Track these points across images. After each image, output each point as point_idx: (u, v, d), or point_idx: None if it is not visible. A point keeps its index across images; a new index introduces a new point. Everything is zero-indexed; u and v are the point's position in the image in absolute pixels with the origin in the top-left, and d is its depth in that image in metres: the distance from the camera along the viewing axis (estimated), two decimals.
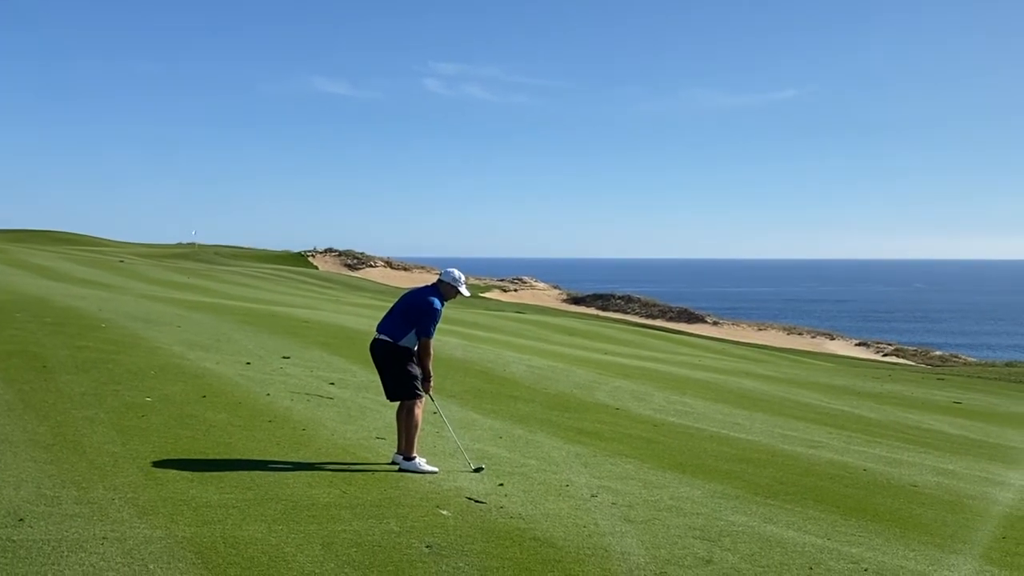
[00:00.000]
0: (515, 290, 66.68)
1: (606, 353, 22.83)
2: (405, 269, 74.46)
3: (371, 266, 74.67)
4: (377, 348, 7.77)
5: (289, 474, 7.02)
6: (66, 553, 4.93)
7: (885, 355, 45.08)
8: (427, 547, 5.56)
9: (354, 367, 13.05)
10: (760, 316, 69.56)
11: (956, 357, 44.43)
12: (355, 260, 76.13)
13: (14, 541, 5.05)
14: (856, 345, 49.19)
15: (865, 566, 5.99)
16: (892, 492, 8.55)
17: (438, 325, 7.81)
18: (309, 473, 7.10)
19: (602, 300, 62.49)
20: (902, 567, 6.07)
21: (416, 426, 7.61)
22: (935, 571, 6.07)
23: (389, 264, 75.81)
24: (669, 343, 34.35)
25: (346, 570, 5.07)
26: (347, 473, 7.23)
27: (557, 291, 69.55)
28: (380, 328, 7.80)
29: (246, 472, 6.94)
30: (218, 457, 7.40)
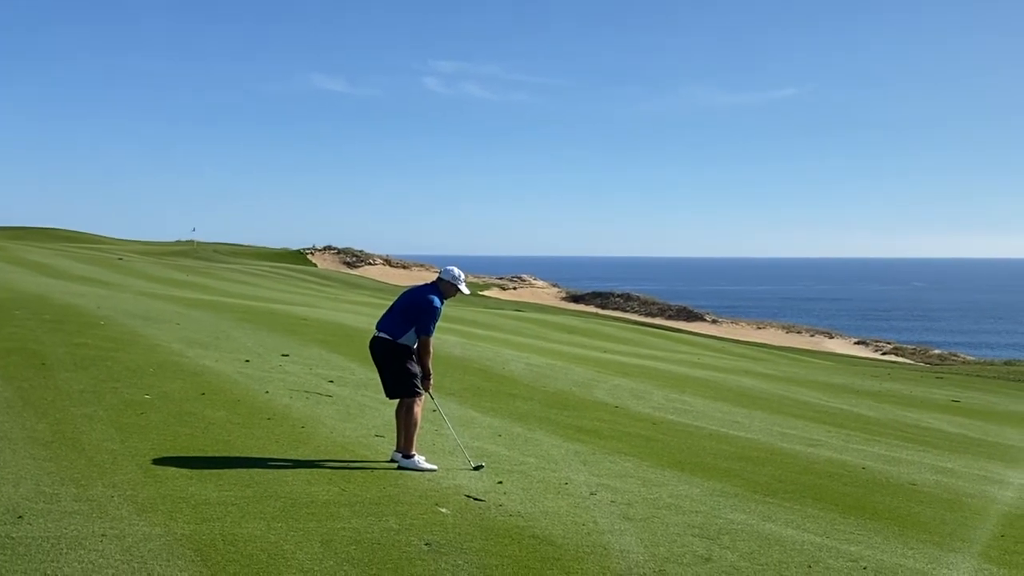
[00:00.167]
0: (514, 288, 66.69)
1: (605, 351, 22.84)
2: (404, 267, 74.45)
3: (370, 264, 74.66)
4: (376, 346, 7.76)
5: (288, 472, 7.02)
6: (65, 550, 4.93)
7: (884, 354, 45.11)
8: (426, 545, 5.56)
9: (353, 365, 13.05)
10: (759, 314, 69.62)
11: (955, 356, 44.46)
12: (354, 258, 76.11)
13: (13, 538, 5.04)
14: (855, 343, 49.22)
15: (864, 564, 6.00)
16: (891, 490, 8.55)
17: (437, 323, 7.81)
18: (308, 471, 7.10)
19: (601, 298, 62.50)
20: (901, 565, 6.08)
21: (415, 424, 7.61)
22: (934, 569, 6.08)
23: (388, 262, 75.80)
24: (668, 341, 34.37)
25: (345, 568, 5.07)
26: (346, 471, 7.23)
27: (556, 289, 69.57)
28: (379, 326, 7.79)
29: (245, 469, 6.94)
30: (217, 454, 7.40)
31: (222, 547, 5.20)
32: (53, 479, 6.24)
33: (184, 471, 6.73)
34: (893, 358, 42.65)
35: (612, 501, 7.05)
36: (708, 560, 5.76)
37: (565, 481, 7.58)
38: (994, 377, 28.10)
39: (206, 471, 6.79)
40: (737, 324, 55.32)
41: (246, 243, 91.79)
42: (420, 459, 7.60)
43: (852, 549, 6.34)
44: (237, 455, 7.44)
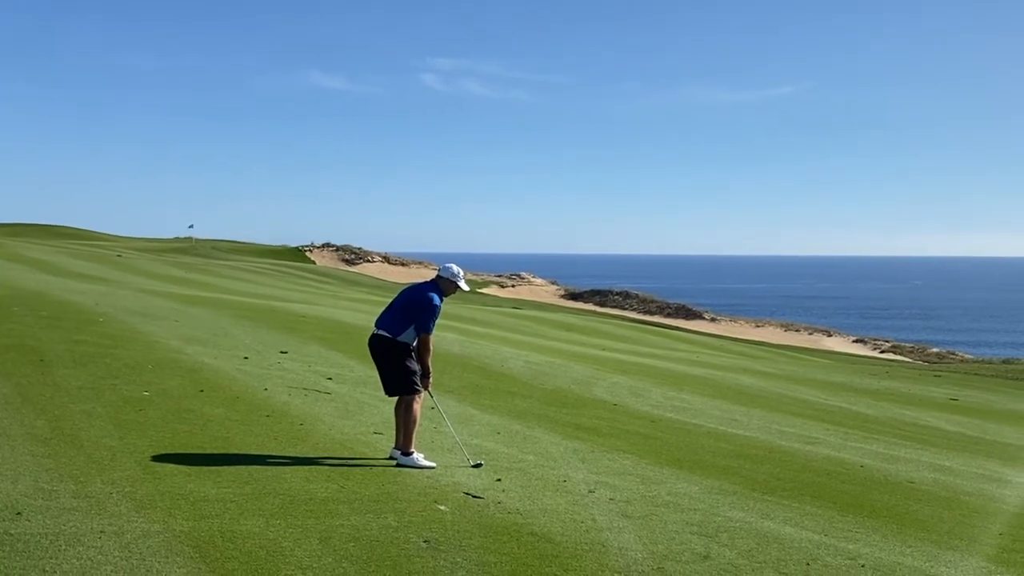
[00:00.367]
0: (513, 286, 66.67)
1: (604, 349, 22.84)
2: (403, 264, 74.41)
3: (369, 261, 74.61)
4: (376, 343, 7.76)
5: (287, 469, 7.03)
6: (64, 547, 4.93)
7: (882, 352, 45.14)
8: (425, 542, 5.56)
9: (352, 362, 13.05)
10: (758, 313, 69.64)
11: (953, 354, 44.49)
12: (353, 255, 76.05)
13: (12, 535, 5.05)
14: (854, 342, 49.23)
15: (862, 562, 6.00)
16: (889, 488, 8.56)
17: (437, 321, 7.81)
18: (307, 468, 7.11)
19: (600, 296, 62.48)
20: (899, 563, 6.09)
21: (415, 422, 7.62)
22: (932, 567, 6.09)
23: (387, 259, 75.75)
24: (667, 339, 34.37)
25: (344, 565, 5.07)
26: (345, 468, 7.24)
27: (555, 287, 69.54)
28: (379, 323, 7.79)
29: (244, 466, 6.94)
30: (216, 451, 7.41)
31: (221, 544, 5.20)
32: (52, 476, 6.24)
33: (183, 468, 6.73)
34: (891, 356, 42.67)
35: (611, 499, 7.06)
36: (706, 558, 5.76)
37: (564, 479, 7.59)
38: (992, 376, 28.13)
39: (205, 468, 6.79)
40: (736, 322, 55.32)
41: (245, 240, 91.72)
42: (419, 456, 7.60)
43: (850, 547, 6.35)
44: (236, 452, 7.44)
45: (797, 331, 52.56)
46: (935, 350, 46.06)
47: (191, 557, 4.97)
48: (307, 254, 75.96)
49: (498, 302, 49.38)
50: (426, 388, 7.79)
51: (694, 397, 14.27)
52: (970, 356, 43.68)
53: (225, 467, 6.88)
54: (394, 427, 7.83)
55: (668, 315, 55.69)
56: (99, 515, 5.50)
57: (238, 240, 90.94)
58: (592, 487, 7.38)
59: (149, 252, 60.43)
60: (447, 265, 7.97)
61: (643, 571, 5.41)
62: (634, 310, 57.17)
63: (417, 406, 7.65)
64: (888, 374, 25.50)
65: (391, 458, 7.65)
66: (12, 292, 18.34)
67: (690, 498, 7.34)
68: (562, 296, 64.55)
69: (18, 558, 4.74)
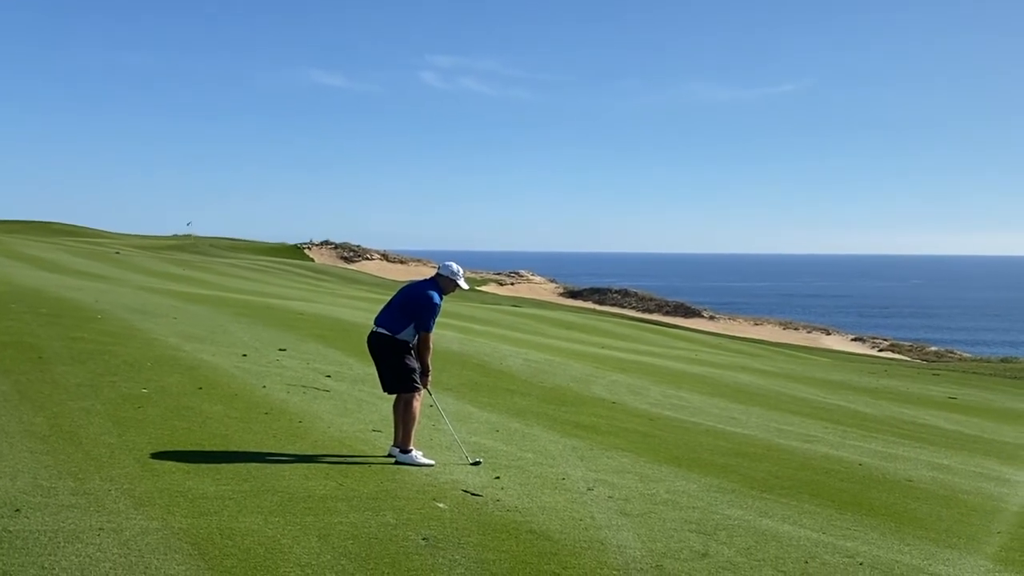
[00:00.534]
0: (512, 284, 66.66)
1: (602, 347, 22.85)
2: (401, 262, 74.39)
3: (367, 259, 74.56)
4: (375, 341, 7.76)
5: (285, 466, 7.03)
6: (63, 544, 4.93)
7: (881, 350, 45.16)
8: (423, 539, 5.56)
9: (350, 360, 13.05)
10: (756, 311, 69.62)
11: (952, 353, 44.50)
12: (351, 253, 76.00)
13: (10, 532, 5.05)
14: (852, 340, 49.24)
15: (860, 560, 6.01)
16: (887, 487, 8.57)
17: (437, 319, 7.81)
18: (305, 465, 7.11)
19: (599, 294, 62.47)
20: (897, 561, 6.09)
21: (414, 419, 7.62)
22: (930, 565, 6.10)
23: (385, 257, 75.71)
24: (665, 337, 34.38)
25: (342, 562, 5.07)
26: (343, 465, 7.24)
27: (554, 285, 69.52)
28: (378, 321, 7.79)
29: (242, 464, 6.95)
30: (214, 449, 7.41)
31: (219, 541, 5.20)
32: (50, 473, 6.24)
33: (181, 465, 6.73)
34: (890, 355, 42.70)
35: (609, 497, 7.06)
36: (705, 555, 5.77)
37: (562, 476, 7.59)
38: (991, 374, 28.14)
39: (203, 465, 6.80)
40: (735, 320, 55.33)
41: (243, 237, 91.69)
42: (418, 454, 7.61)
43: (848, 545, 6.35)
44: (234, 449, 7.44)
45: (796, 329, 52.59)
46: (933, 349, 46.08)
47: (190, 554, 4.97)
48: (306, 251, 75.90)
49: (497, 300, 49.39)
50: (425, 386, 7.79)
51: (693, 395, 14.28)
52: (968, 355, 43.70)
53: (224, 464, 6.88)
54: (392, 425, 7.83)
55: (667, 313, 55.69)
56: (98, 512, 5.50)
57: (237, 237, 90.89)
58: (591, 485, 7.39)
59: (148, 249, 60.40)
60: (446, 263, 7.97)
61: (642, 569, 5.42)
62: (633, 308, 57.17)
63: (417, 404, 7.65)
64: (886, 372, 25.52)
65: (390, 456, 7.65)
66: (11, 289, 18.33)
67: (688, 496, 7.35)
68: (561, 294, 64.54)
69: (17, 555, 4.74)
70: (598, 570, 5.33)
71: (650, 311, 56.38)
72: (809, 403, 15.30)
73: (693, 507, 6.98)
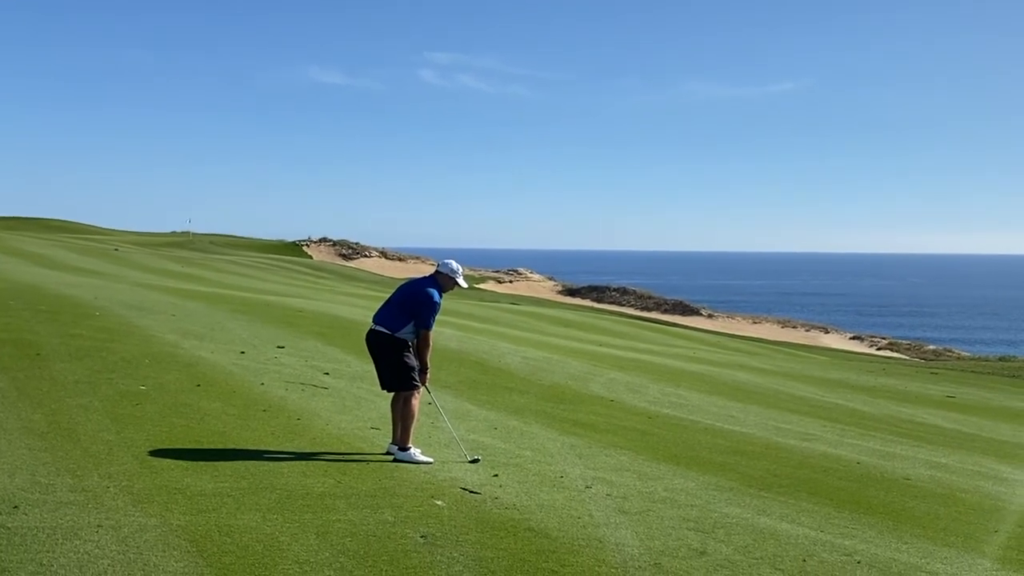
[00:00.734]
0: (510, 281, 66.64)
1: (601, 345, 22.85)
2: (400, 259, 74.37)
3: (366, 256, 74.52)
4: (373, 339, 7.76)
5: (284, 463, 7.03)
6: (61, 541, 4.93)
7: (879, 349, 45.19)
8: (422, 537, 5.56)
9: (349, 357, 13.04)
10: (755, 309, 69.63)
11: (950, 351, 44.52)
12: (350, 250, 75.97)
13: (8, 528, 5.04)
14: (850, 339, 49.26)
15: (858, 558, 6.01)
16: (885, 485, 8.57)
17: (436, 317, 7.81)
18: (304, 463, 7.11)
19: (597, 292, 62.48)
20: (895, 559, 6.10)
21: (413, 417, 7.62)
22: (928, 563, 6.10)
23: (384, 254, 75.68)
24: (664, 335, 34.38)
25: (341, 559, 5.07)
26: (342, 463, 7.24)
27: (552, 283, 69.51)
28: (376, 319, 7.79)
29: (240, 461, 6.94)
30: (212, 446, 7.41)
31: (218, 538, 5.20)
32: (49, 469, 6.24)
33: (180, 462, 6.73)
34: (888, 353, 42.72)
35: (608, 494, 7.07)
36: (703, 554, 5.77)
37: (561, 474, 7.59)
38: (989, 373, 28.16)
39: (202, 462, 6.79)
40: (733, 319, 55.35)
41: (242, 234, 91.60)
42: (416, 452, 7.61)
43: (846, 543, 6.36)
44: (233, 447, 7.44)
45: (794, 328, 52.62)
46: (932, 347, 46.10)
47: (188, 551, 4.97)
48: (304, 249, 75.87)
49: (496, 298, 49.40)
50: (423, 383, 7.79)
51: (691, 393, 14.28)
52: (967, 353, 43.73)
53: (222, 462, 6.88)
54: (391, 422, 7.83)
55: (665, 311, 55.71)
56: (96, 509, 5.50)
57: (235, 235, 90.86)
58: (589, 483, 7.39)
59: (146, 246, 60.39)
60: (446, 261, 7.97)
61: (640, 567, 5.42)
62: (631, 306, 57.18)
63: (415, 402, 7.65)
64: (885, 371, 25.53)
65: (388, 453, 7.65)
66: (9, 286, 18.32)
67: (687, 494, 7.35)
68: (559, 292, 64.54)
69: (15, 551, 4.74)
70: (596, 568, 5.34)
71: (649, 309, 56.40)
72: (807, 401, 15.31)
73: (691, 505, 6.99)
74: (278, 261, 59.09)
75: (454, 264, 7.92)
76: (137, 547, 4.94)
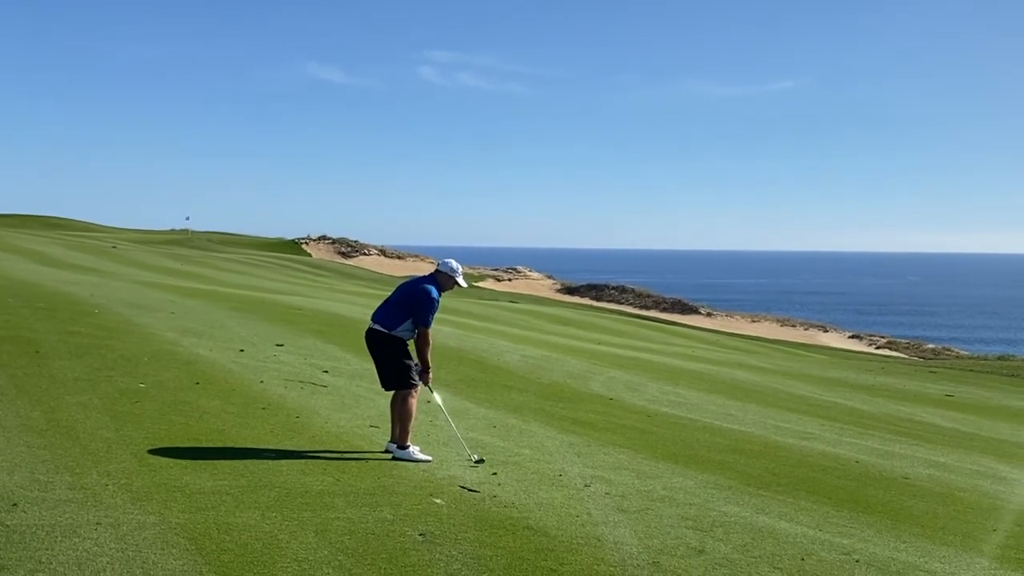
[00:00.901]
0: (509, 279, 66.63)
1: (600, 343, 22.85)
2: (399, 257, 74.35)
3: (365, 254, 74.50)
4: (371, 337, 7.77)
5: (283, 462, 7.03)
6: (59, 538, 4.93)
7: (878, 348, 45.20)
8: (420, 535, 5.56)
9: (348, 355, 13.04)
10: (754, 308, 69.62)
11: (949, 350, 44.54)
12: (349, 248, 75.95)
13: (7, 526, 5.04)
14: (849, 337, 49.28)
15: (857, 557, 6.02)
16: (884, 484, 8.58)
17: (436, 315, 7.81)
18: (303, 461, 7.11)
19: (596, 290, 62.48)
20: (893, 558, 6.10)
21: (410, 415, 7.62)
22: (926, 562, 6.11)
23: (383, 252, 75.66)
24: (663, 334, 34.39)
25: (339, 557, 5.07)
26: (341, 461, 7.24)
27: (551, 281, 69.50)
28: (375, 317, 7.79)
29: (240, 459, 6.94)
30: (212, 444, 7.40)
31: (216, 536, 5.20)
32: (47, 467, 6.24)
33: (179, 460, 6.73)
34: (887, 352, 42.74)
35: (606, 493, 7.07)
36: (701, 552, 5.77)
37: (559, 473, 7.59)
38: (988, 372, 28.18)
39: (201, 460, 6.79)
40: (732, 317, 55.35)
41: (241, 232, 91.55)
42: (415, 450, 7.61)
43: (845, 542, 6.36)
44: (232, 445, 7.44)
45: (793, 326, 52.64)
46: (931, 346, 46.12)
47: (187, 549, 4.97)
48: (303, 247, 75.84)
49: (494, 296, 49.40)
50: (426, 383, 7.79)
51: (690, 392, 14.29)
52: (965, 352, 43.76)
53: (221, 459, 6.88)
54: (390, 420, 7.83)
55: (664, 310, 55.71)
56: (95, 507, 5.50)
57: (234, 232, 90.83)
58: (588, 481, 7.39)
59: (145, 244, 60.37)
60: (446, 260, 7.97)
61: (638, 565, 5.42)
62: (630, 304, 57.18)
63: (413, 400, 7.65)
64: (884, 370, 25.55)
65: (387, 451, 7.65)
66: (7, 283, 18.31)
67: (685, 493, 7.35)
68: (558, 290, 64.53)
69: (14, 549, 4.73)
70: (595, 566, 5.34)
71: (648, 307, 56.40)
72: (806, 400, 15.32)
73: (690, 504, 6.99)
74: (277, 259, 59.08)
75: (453, 263, 7.92)
76: (136, 545, 4.94)
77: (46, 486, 5.81)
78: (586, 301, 57.70)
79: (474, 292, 49.77)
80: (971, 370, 28.75)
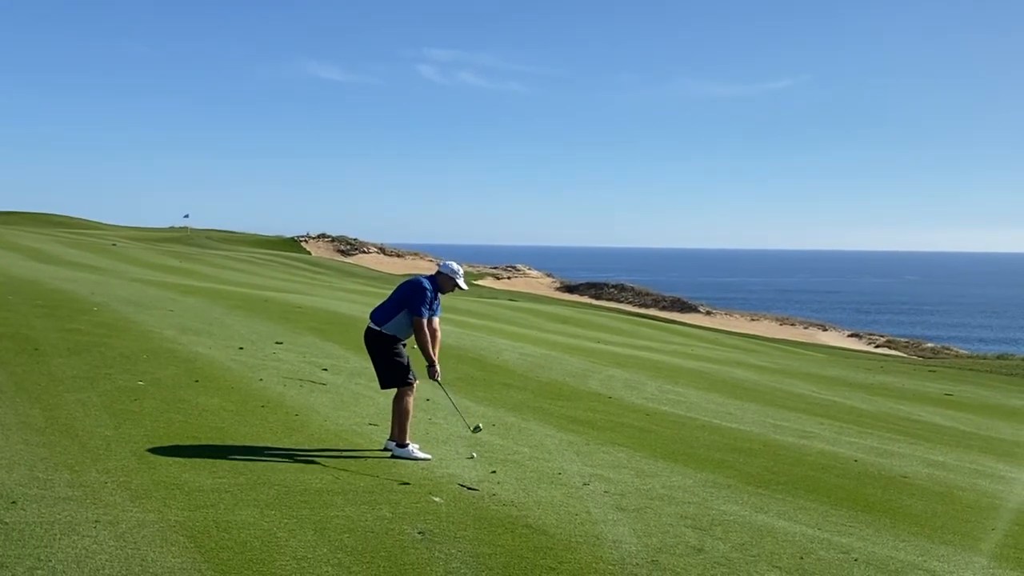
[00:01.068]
0: (508, 278, 66.60)
1: (599, 342, 22.85)
2: (398, 255, 74.29)
3: (364, 252, 74.44)
4: (366, 336, 7.81)
5: (282, 459, 7.03)
6: (58, 536, 4.93)
7: (877, 347, 45.19)
8: (419, 533, 5.57)
9: (347, 353, 13.04)
10: (753, 306, 69.64)
11: (948, 349, 44.55)
12: (348, 246, 75.89)
13: (6, 523, 5.04)
14: (848, 336, 49.28)
15: (855, 556, 6.02)
16: (883, 483, 8.58)
17: (438, 313, 7.81)
18: (302, 459, 7.11)
19: (595, 289, 62.45)
20: (892, 557, 6.11)
21: (407, 414, 7.62)
22: (924, 561, 6.11)
23: (382, 250, 75.61)
24: (662, 332, 34.39)
25: (338, 555, 5.08)
26: (340, 459, 7.24)
27: (550, 279, 69.48)
28: (371, 315, 7.82)
29: (239, 457, 6.95)
30: (211, 442, 7.40)
31: (215, 534, 5.20)
32: (46, 465, 6.24)
33: (178, 458, 6.73)
34: (886, 351, 42.74)
35: (605, 491, 7.07)
36: (700, 551, 5.78)
37: (558, 471, 7.59)
38: (987, 371, 28.19)
39: (200, 458, 6.79)
40: (731, 316, 55.35)
41: (239, 230, 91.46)
42: (414, 448, 7.61)
43: (844, 540, 6.37)
44: (231, 443, 7.44)
45: (792, 325, 52.63)
46: (930, 345, 46.12)
47: (186, 547, 4.97)
48: (302, 244, 75.78)
49: (494, 294, 49.38)
50: (433, 377, 7.75)
51: (689, 390, 14.29)
52: (965, 351, 43.77)
53: (220, 457, 6.88)
54: (390, 418, 7.83)
55: (663, 308, 55.70)
56: (94, 504, 5.50)
57: (233, 230, 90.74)
58: (587, 480, 7.39)
59: (144, 241, 60.31)
60: (447, 262, 8.00)
61: (637, 564, 5.43)
62: (629, 303, 57.17)
63: (409, 399, 7.65)
64: (883, 369, 25.56)
65: (386, 449, 7.66)
66: (6, 280, 18.31)
67: (684, 491, 7.35)
68: (557, 288, 64.51)
69: (13, 547, 4.73)
70: (593, 565, 5.34)
71: (647, 306, 56.39)
72: (805, 399, 15.32)
73: (689, 502, 6.99)
74: (276, 257, 59.05)
75: (455, 265, 7.93)
76: (135, 543, 4.94)
77: (45, 484, 5.81)
78: (585, 299, 57.69)
79: (473, 290, 49.76)
80: (970, 369, 28.77)
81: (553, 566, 5.27)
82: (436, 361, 7.77)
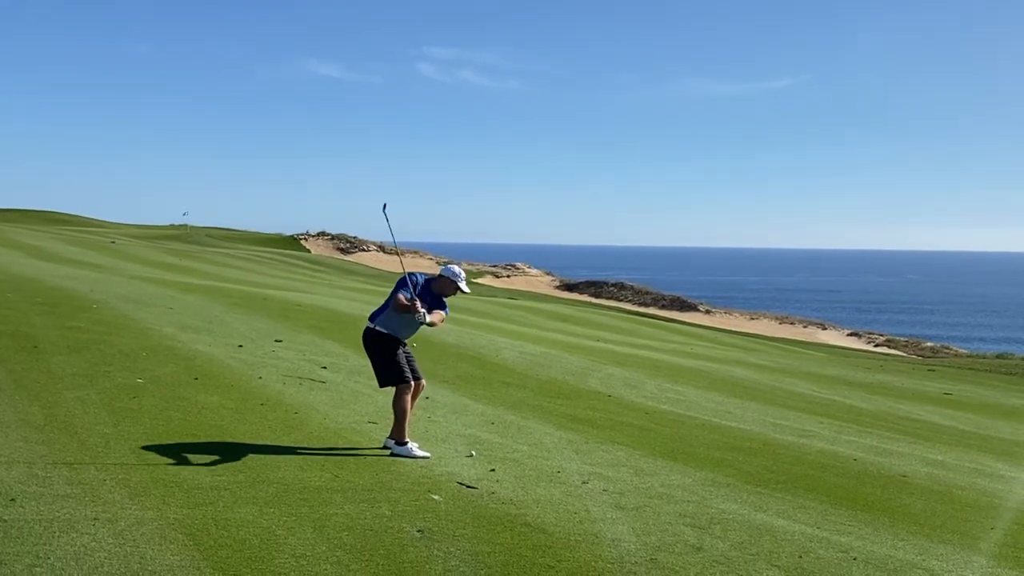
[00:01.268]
0: (508, 276, 66.56)
1: (598, 340, 22.85)
2: (398, 254, 74.22)
3: (364, 250, 74.40)
4: (365, 335, 7.83)
5: (281, 457, 7.03)
6: (57, 533, 4.93)
7: (877, 346, 45.17)
8: (418, 531, 5.57)
9: (347, 351, 13.04)
10: (753, 305, 69.63)
11: (947, 349, 44.54)
12: (348, 244, 75.84)
13: (5, 521, 5.04)
14: (848, 335, 49.27)
15: (854, 555, 6.02)
16: (882, 482, 8.58)
17: (437, 310, 7.82)
18: (301, 456, 7.11)
19: (595, 287, 62.42)
20: (891, 556, 6.10)
21: (404, 412, 7.61)
22: (924, 561, 6.11)
23: (382, 248, 75.54)
24: (662, 331, 34.38)
25: (337, 553, 5.07)
26: (339, 457, 7.24)
27: (550, 277, 69.44)
28: (369, 318, 7.86)
29: (238, 455, 6.94)
30: (210, 439, 7.40)
31: (214, 532, 5.20)
32: (46, 462, 6.24)
33: (177, 456, 6.74)
34: (886, 350, 42.73)
35: (604, 490, 7.07)
36: (699, 549, 5.78)
37: (557, 469, 7.59)
38: (986, 370, 28.20)
39: (199, 456, 6.79)
40: (731, 314, 55.34)
41: (239, 228, 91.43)
42: (413, 446, 7.61)
43: (843, 540, 6.36)
44: (230, 440, 7.44)
45: (792, 324, 52.60)
46: (929, 344, 46.10)
47: (185, 544, 4.97)
48: (302, 242, 75.74)
49: (493, 292, 49.36)
50: (417, 310, 7.45)
51: (688, 389, 14.29)
52: (964, 351, 43.76)
53: (219, 455, 6.88)
54: (390, 417, 7.83)
55: (663, 307, 55.69)
56: (93, 502, 5.50)
57: (232, 227, 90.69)
58: (586, 478, 7.39)
59: (143, 239, 60.31)
60: (450, 266, 8.02)
61: (636, 562, 5.43)
62: (629, 301, 57.16)
63: (406, 396, 7.64)
64: (882, 368, 25.57)
65: (385, 447, 7.66)
66: (6, 278, 18.30)
67: (684, 490, 7.35)
68: (557, 287, 64.48)
69: (11, 544, 4.73)
70: (592, 563, 5.34)
71: (646, 304, 56.38)
72: (805, 398, 15.32)
73: (688, 501, 6.99)
74: (276, 255, 59.02)
75: (456, 268, 7.93)
76: (134, 540, 4.94)
77: (44, 481, 5.81)
78: (585, 298, 57.67)
79: (473, 288, 49.71)
80: (970, 368, 28.78)
81: (552, 564, 5.27)
82: (419, 308, 7.51)
